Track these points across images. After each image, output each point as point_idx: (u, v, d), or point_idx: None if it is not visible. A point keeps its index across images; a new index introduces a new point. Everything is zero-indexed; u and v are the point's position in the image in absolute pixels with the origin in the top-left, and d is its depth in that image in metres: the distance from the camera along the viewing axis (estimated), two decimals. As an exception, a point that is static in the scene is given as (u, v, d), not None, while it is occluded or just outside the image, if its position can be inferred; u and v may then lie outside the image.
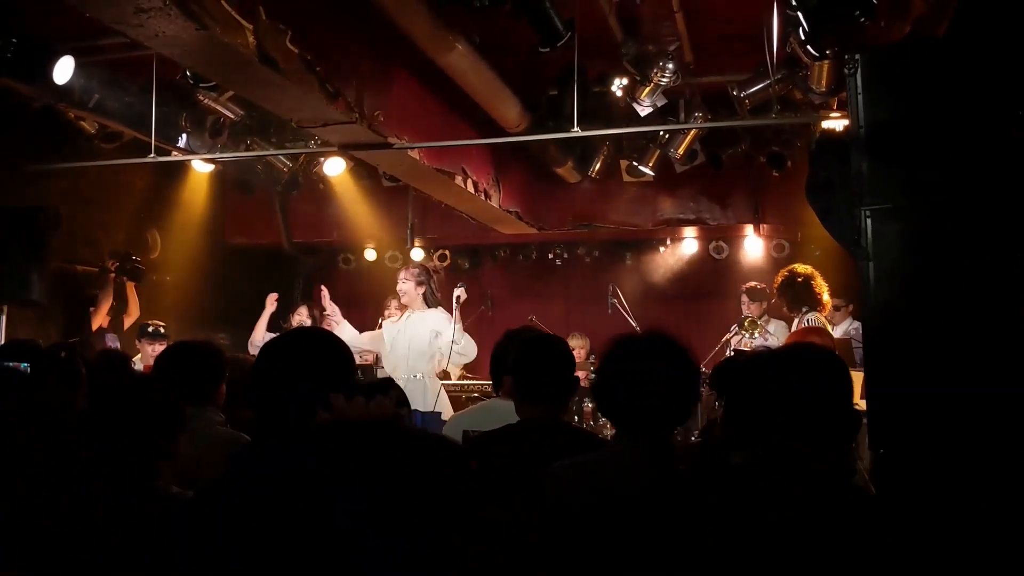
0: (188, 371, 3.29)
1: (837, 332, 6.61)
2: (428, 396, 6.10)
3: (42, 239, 6.71)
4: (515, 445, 2.88)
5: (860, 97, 3.80)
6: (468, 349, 6.22)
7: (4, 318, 6.71)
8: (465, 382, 7.27)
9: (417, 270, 6.52)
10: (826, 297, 6.17)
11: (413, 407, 5.88)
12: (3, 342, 6.59)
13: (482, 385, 6.96)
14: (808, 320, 6.12)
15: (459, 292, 6.26)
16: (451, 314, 6.23)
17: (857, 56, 3.81)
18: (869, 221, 3.72)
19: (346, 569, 1.84)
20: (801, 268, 6.31)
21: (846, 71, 3.86)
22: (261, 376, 2.13)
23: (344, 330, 6.44)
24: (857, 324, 7.06)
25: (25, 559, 2.46)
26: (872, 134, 3.78)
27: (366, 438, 1.90)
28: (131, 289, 7.56)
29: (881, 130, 3.77)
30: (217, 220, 9.43)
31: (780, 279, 6.33)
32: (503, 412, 3.14)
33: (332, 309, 6.70)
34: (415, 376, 6.17)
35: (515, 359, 3.10)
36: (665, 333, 2.48)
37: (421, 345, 6.22)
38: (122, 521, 2.48)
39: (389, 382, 3.71)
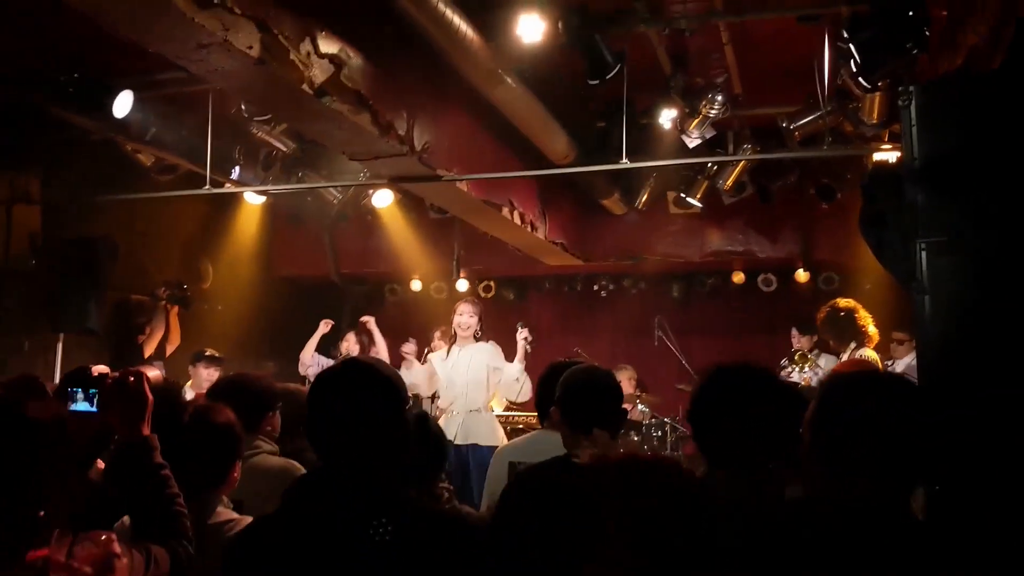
0: (240, 402, 3.33)
1: (900, 366, 6.50)
2: (486, 429, 6.08)
3: (100, 269, 6.87)
4: (567, 477, 2.85)
5: (915, 129, 3.75)
6: (527, 390, 6.14)
7: (60, 346, 6.85)
8: (510, 413, 7.24)
9: (479, 304, 6.53)
10: (871, 329, 6.10)
11: (474, 441, 5.89)
12: (59, 369, 6.74)
13: (527, 417, 6.94)
14: (859, 354, 6.04)
15: (525, 333, 6.23)
16: (498, 345, 6.25)
17: (912, 88, 3.78)
18: (924, 254, 3.67)
19: None
20: (843, 302, 6.25)
21: (900, 103, 3.82)
22: (315, 410, 2.14)
23: (413, 371, 6.36)
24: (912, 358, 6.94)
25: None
26: (927, 166, 3.73)
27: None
28: (173, 316, 7.67)
29: (936, 162, 3.72)
30: (267, 251, 9.58)
31: (822, 314, 6.27)
32: (550, 444, 3.11)
33: (409, 349, 6.73)
34: (474, 410, 6.15)
35: (563, 390, 3.07)
36: (759, 365, 2.44)
37: (480, 378, 6.18)
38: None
39: (424, 415, 3.73)
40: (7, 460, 1.67)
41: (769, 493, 2.25)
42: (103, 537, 1.87)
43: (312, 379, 6.73)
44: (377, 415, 2.06)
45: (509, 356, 6.35)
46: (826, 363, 6.93)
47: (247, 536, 2.19)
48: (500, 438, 5.98)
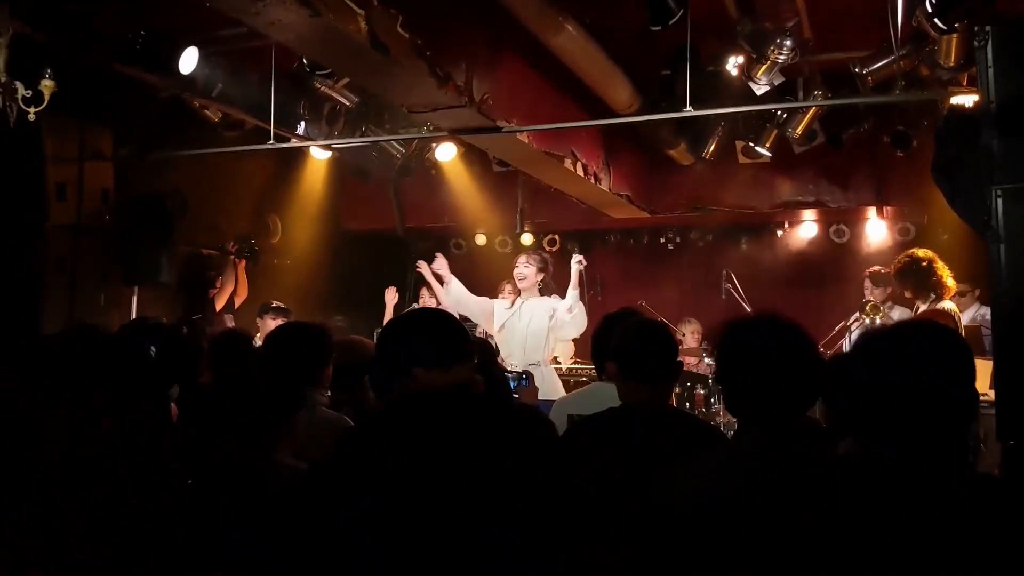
0: (298, 352, 3.37)
1: (964, 318, 6.30)
2: (545, 384, 6.06)
3: (170, 224, 7.05)
4: (621, 428, 2.84)
5: (991, 71, 3.60)
6: (580, 319, 6.08)
7: (135, 299, 7.06)
8: (574, 366, 7.23)
9: (538, 256, 6.46)
10: (950, 281, 5.89)
11: None
12: (133, 321, 6.95)
13: (589, 370, 6.92)
14: (939, 306, 5.85)
15: (579, 258, 6.17)
16: (565, 296, 6.20)
17: (988, 28, 3.61)
18: (1000, 201, 3.52)
19: (458, 550, 1.86)
20: (922, 252, 6.01)
21: (976, 43, 3.66)
22: (380, 359, 2.22)
23: (451, 288, 6.39)
24: (985, 310, 6.71)
25: (150, 527, 2.58)
26: (1004, 109, 3.57)
27: (449, 410, 1.94)
28: (241, 270, 7.83)
29: (1014, 105, 3.56)
30: (334, 206, 9.69)
31: (900, 264, 6.05)
32: (606, 396, 3.11)
33: (440, 265, 6.65)
34: (533, 364, 6.13)
35: (618, 341, 3.05)
36: (777, 314, 2.38)
37: (539, 330, 6.13)
38: (244, 491, 2.58)
39: (484, 343, 3.75)
40: None
41: (798, 450, 2.19)
42: None
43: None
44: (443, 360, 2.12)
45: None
46: (899, 315, 6.76)
47: (310, 477, 2.25)
48: (559, 392, 5.96)
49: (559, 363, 7.17)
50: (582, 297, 6.20)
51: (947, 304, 5.91)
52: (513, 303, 6.40)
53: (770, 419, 2.17)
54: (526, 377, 3.72)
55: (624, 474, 2.63)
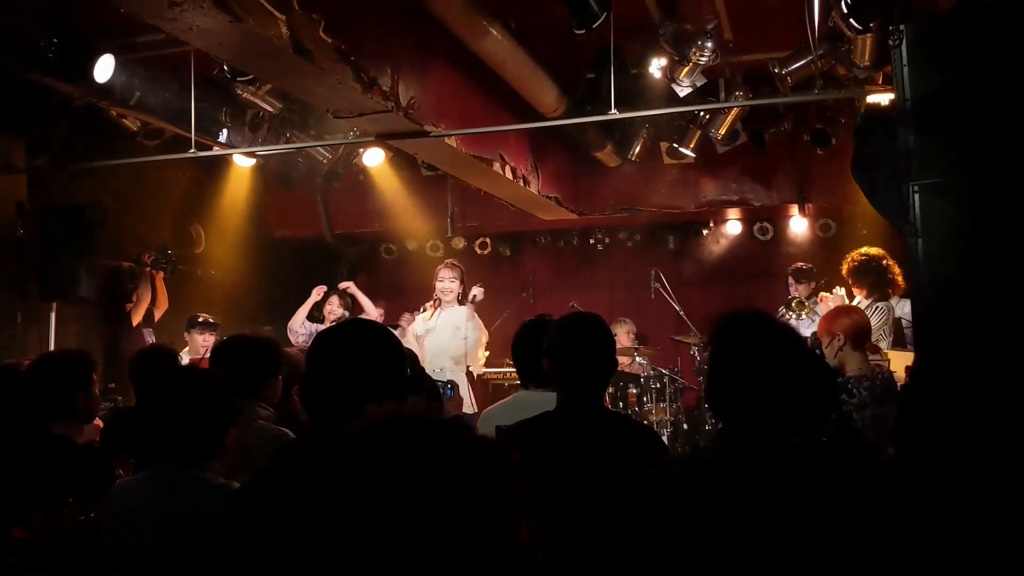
0: (243, 365, 3.29)
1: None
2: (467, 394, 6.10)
3: (89, 236, 6.82)
4: (559, 434, 2.79)
5: (906, 69, 3.71)
6: (472, 332, 6.19)
7: (54, 315, 6.82)
8: (508, 370, 7.22)
9: (459, 269, 6.50)
10: (901, 280, 5.92)
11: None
12: (53, 338, 6.72)
13: (512, 373, 6.94)
14: (879, 307, 5.91)
15: (476, 292, 6.23)
16: (474, 311, 6.29)
17: (902, 27, 3.72)
18: (917, 196, 3.63)
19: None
20: (874, 251, 6.04)
21: (891, 43, 3.76)
22: (313, 374, 2.11)
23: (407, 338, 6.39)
24: (904, 302, 6.89)
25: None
26: (919, 107, 3.68)
27: (405, 437, 1.88)
28: (159, 281, 7.62)
29: (928, 102, 3.67)
30: (260, 213, 9.52)
31: (857, 263, 6.02)
32: (533, 404, 3.04)
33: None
34: (438, 370, 6.11)
35: (556, 337, 2.95)
36: (765, 312, 2.37)
37: (446, 343, 6.20)
38: (171, 510, 2.50)
39: (421, 371, 3.69)
40: None
41: (789, 444, 2.18)
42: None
43: (300, 345, 6.70)
44: (378, 372, 2.05)
45: (497, 313, 6.36)
46: (822, 311, 6.90)
47: (245, 496, 2.17)
48: (470, 404, 5.98)
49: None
50: (509, 306, 6.26)
51: (840, 291, 6.10)
52: (433, 313, 6.41)
53: (752, 416, 2.16)
54: (451, 387, 3.68)
55: (573, 479, 2.61)
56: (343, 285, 7.73)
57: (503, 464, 1.84)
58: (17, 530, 2.39)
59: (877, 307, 5.79)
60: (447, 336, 6.21)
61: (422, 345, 6.29)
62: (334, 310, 7.62)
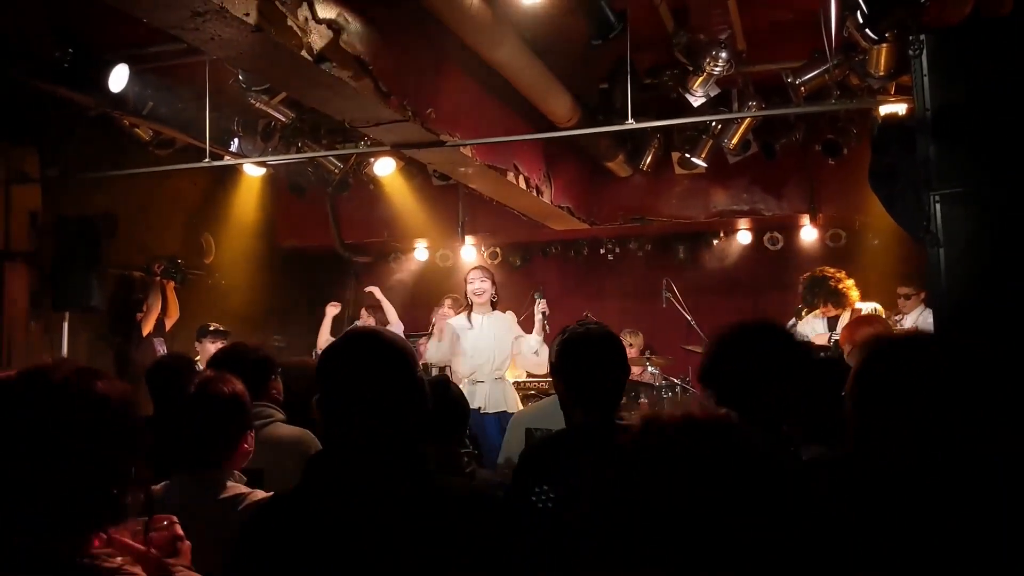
0: (242, 369, 3.29)
1: (908, 321, 6.49)
2: (509, 397, 6.07)
3: (100, 246, 6.83)
4: (577, 453, 2.74)
5: (926, 79, 3.69)
6: (546, 362, 6.14)
7: (66, 325, 6.83)
8: (523, 379, 7.22)
9: (489, 271, 6.46)
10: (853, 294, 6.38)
11: (497, 409, 5.88)
12: (66, 348, 6.72)
13: (538, 382, 6.93)
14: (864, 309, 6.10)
15: (544, 307, 6.16)
16: (517, 316, 6.25)
17: (922, 37, 3.71)
18: (938, 206, 3.61)
19: None
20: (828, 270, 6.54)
21: (911, 52, 3.75)
22: (324, 382, 2.07)
23: (442, 347, 6.21)
24: (927, 312, 6.90)
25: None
26: (939, 117, 3.67)
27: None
28: (170, 290, 7.63)
29: (948, 113, 3.66)
30: (270, 223, 9.54)
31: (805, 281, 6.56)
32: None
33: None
34: (499, 378, 6.11)
35: (565, 360, 2.82)
36: (773, 322, 2.36)
37: (506, 347, 6.13)
38: (189, 518, 2.49)
39: (446, 380, 3.67)
40: (79, 435, 1.62)
41: (789, 454, 2.19)
42: (165, 522, 1.86)
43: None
44: (384, 382, 2.01)
45: (523, 325, 6.35)
46: (819, 322, 6.92)
47: (263, 515, 2.15)
48: (520, 405, 5.98)
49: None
50: (521, 315, 6.24)
51: (871, 305, 6.20)
52: (469, 317, 6.31)
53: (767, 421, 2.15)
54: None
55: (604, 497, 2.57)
56: (369, 289, 7.71)
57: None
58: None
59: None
60: (491, 341, 6.11)
61: (456, 344, 6.16)
62: (366, 322, 7.60)
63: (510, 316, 6.29)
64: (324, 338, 7.67)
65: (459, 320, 6.25)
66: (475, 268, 6.50)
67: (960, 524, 1.49)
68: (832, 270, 6.47)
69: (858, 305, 6.35)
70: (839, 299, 6.39)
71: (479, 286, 6.17)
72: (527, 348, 6.06)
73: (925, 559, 1.50)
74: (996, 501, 1.51)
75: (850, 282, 6.41)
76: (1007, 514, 1.50)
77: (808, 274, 6.62)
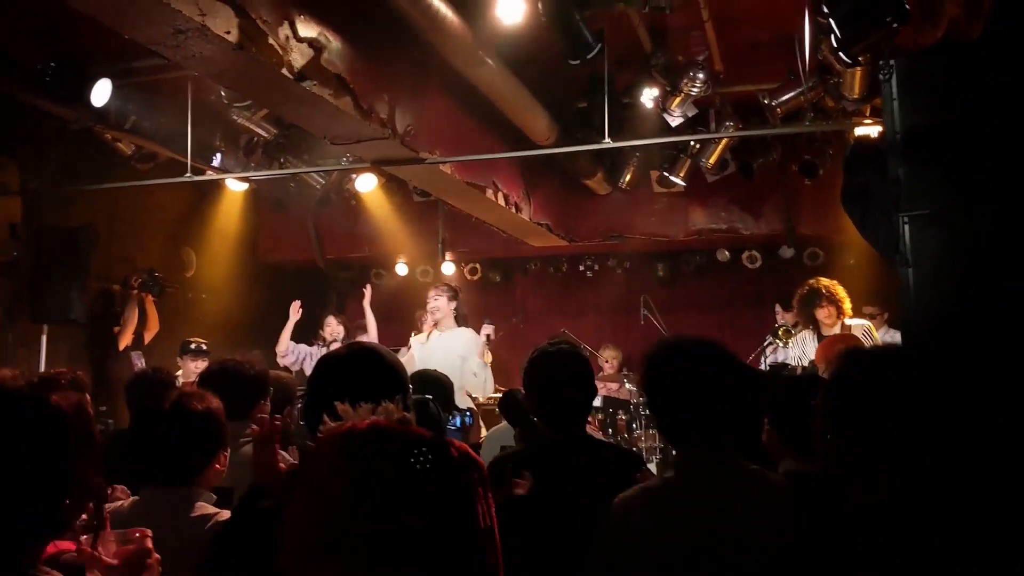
0: (233, 388, 3.29)
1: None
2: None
3: (81, 259, 6.82)
4: (546, 465, 2.75)
5: (896, 102, 3.77)
6: (487, 384, 6.17)
7: (45, 337, 6.81)
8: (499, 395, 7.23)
9: (446, 287, 6.52)
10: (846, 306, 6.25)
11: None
12: (44, 360, 6.70)
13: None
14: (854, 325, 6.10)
15: (489, 331, 6.21)
16: (479, 334, 6.25)
17: (892, 61, 3.79)
18: (907, 227, 3.68)
19: None
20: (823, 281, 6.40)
21: (881, 76, 3.83)
22: (317, 396, 2.11)
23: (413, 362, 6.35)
24: (892, 332, 6.98)
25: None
26: (909, 139, 3.74)
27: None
28: (149, 304, 7.60)
29: (918, 135, 3.73)
30: (251, 238, 9.54)
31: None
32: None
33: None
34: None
35: (534, 380, 2.93)
36: (707, 339, 2.40)
37: (452, 365, 6.16)
38: (157, 535, 2.50)
39: (426, 401, 3.69)
40: (33, 447, 1.63)
41: (738, 473, 2.21)
42: (136, 534, 1.83)
43: (288, 366, 6.61)
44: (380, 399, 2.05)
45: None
46: (810, 338, 6.98)
47: (230, 531, 2.17)
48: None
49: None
50: (500, 332, 6.26)
51: (859, 321, 6.21)
52: (429, 335, 6.41)
53: (713, 447, 2.18)
54: (470, 415, 3.70)
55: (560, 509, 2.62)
56: (365, 290, 7.72)
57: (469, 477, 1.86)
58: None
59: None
60: (440, 360, 6.17)
61: (411, 362, 6.22)
62: (334, 330, 7.52)
63: (467, 334, 6.31)
64: (284, 342, 7.51)
65: (418, 337, 6.34)
66: (434, 286, 6.59)
67: (960, 524, 1.52)
68: (827, 281, 6.35)
69: (848, 321, 6.34)
70: (836, 308, 6.24)
71: (433, 304, 6.29)
72: (467, 370, 6.11)
73: (925, 559, 1.53)
74: (996, 501, 1.54)
75: (843, 292, 6.28)
76: (1007, 514, 1.53)
77: (802, 289, 6.44)
